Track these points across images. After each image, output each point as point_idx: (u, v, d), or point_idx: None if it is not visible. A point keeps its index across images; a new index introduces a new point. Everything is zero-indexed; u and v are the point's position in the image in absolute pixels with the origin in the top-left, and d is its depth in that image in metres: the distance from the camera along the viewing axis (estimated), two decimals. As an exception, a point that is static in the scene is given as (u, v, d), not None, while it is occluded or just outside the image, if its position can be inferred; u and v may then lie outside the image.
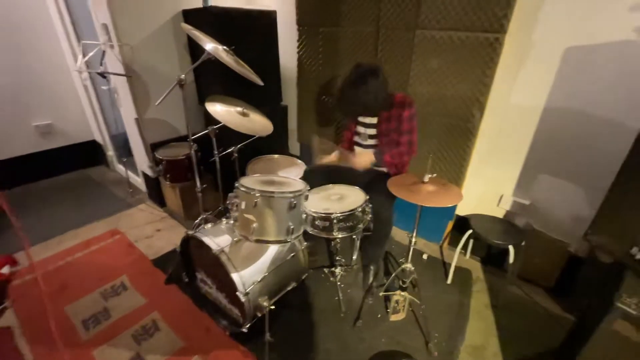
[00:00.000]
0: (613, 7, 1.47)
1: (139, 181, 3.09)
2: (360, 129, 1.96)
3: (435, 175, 1.56)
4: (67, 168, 3.41)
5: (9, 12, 2.72)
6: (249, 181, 1.48)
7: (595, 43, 1.55)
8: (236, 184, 1.42)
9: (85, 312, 1.77)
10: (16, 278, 1.99)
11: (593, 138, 1.69)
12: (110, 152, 3.43)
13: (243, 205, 1.40)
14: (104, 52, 2.25)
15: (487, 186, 2.16)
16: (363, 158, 1.78)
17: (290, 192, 1.39)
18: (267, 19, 2.46)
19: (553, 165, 1.87)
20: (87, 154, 3.50)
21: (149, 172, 2.67)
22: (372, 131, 1.91)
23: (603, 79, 1.59)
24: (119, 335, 1.65)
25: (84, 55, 2.44)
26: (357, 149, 2.01)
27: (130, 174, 3.10)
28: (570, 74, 1.66)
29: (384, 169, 1.94)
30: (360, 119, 1.94)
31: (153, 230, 2.51)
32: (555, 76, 1.71)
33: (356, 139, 2.01)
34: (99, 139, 3.43)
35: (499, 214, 2.14)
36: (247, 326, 1.54)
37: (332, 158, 2.00)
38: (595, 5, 1.51)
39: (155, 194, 2.81)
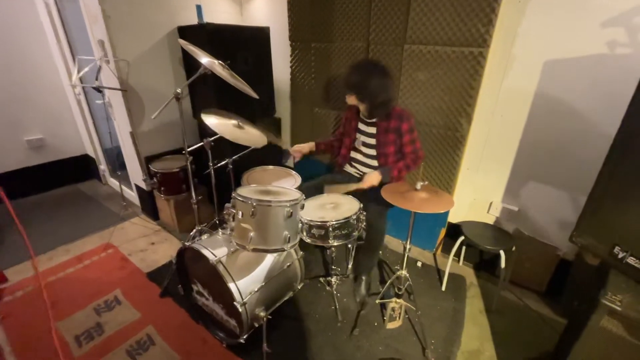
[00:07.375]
0: (585, 23, 1.57)
1: (132, 195, 3.07)
2: (357, 135, 2.01)
3: (427, 182, 1.61)
4: (58, 182, 3.38)
5: (2, 29, 2.74)
6: (246, 191, 1.51)
7: (572, 57, 1.65)
8: (233, 194, 1.44)
9: (78, 327, 1.74)
10: (6, 295, 1.95)
11: (573, 144, 1.77)
12: (103, 166, 3.41)
13: (240, 215, 1.42)
14: (99, 67, 2.28)
15: (477, 193, 2.22)
16: (372, 177, 1.80)
17: (287, 201, 1.42)
18: (260, 35, 2.54)
19: (539, 172, 1.94)
20: (79, 168, 3.48)
21: (143, 185, 2.67)
22: (370, 140, 1.95)
23: (580, 90, 1.68)
24: (113, 351, 1.62)
25: (79, 71, 2.46)
26: (365, 170, 2.03)
27: (124, 187, 3.08)
28: (549, 85, 1.76)
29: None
30: (360, 125, 1.99)
31: (147, 244, 2.49)
32: (536, 87, 1.80)
33: (355, 144, 2.05)
34: (91, 153, 3.42)
35: (490, 220, 2.20)
36: (244, 337, 1.53)
37: (306, 149, 2.08)
38: (569, 22, 1.62)
39: (149, 207, 2.80)
